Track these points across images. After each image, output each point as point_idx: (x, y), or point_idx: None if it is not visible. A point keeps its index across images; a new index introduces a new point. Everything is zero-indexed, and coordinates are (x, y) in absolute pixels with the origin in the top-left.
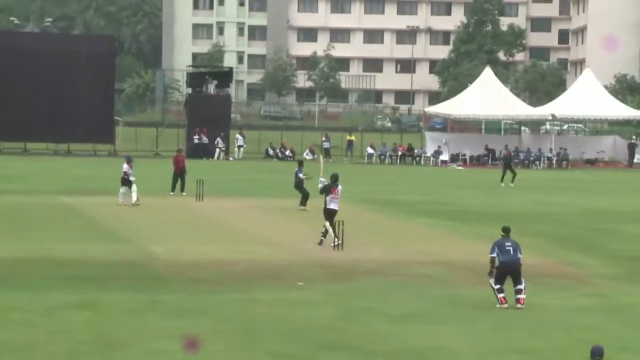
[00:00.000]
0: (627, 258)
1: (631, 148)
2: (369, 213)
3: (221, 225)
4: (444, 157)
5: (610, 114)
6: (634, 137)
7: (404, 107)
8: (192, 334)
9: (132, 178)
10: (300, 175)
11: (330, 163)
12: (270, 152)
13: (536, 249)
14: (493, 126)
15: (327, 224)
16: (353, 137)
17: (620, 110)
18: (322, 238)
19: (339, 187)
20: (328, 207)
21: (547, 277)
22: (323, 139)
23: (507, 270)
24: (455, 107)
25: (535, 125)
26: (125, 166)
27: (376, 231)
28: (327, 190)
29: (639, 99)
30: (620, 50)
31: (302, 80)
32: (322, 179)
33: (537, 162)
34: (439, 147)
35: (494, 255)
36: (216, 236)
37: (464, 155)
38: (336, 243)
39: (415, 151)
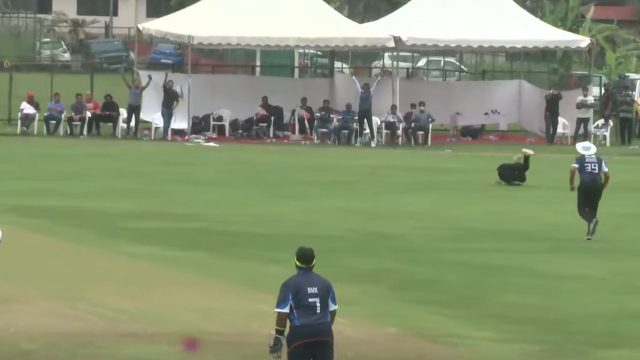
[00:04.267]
0: (541, 322)
1: (552, 105)
2: (27, 235)
3: None
4: (180, 123)
5: (511, 37)
6: (554, 85)
7: (97, 22)
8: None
9: None
10: None
11: None
12: None
13: (366, 307)
14: (278, 60)
15: None
16: None
17: (532, 31)
18: None
19: None
20: None
21: None
22: None
23: (308, 347)
24: (201, 22)
25: (362, 59)
26: None
27: (44, 272)
28: None
29: (566, 9)
30: None
31: None
32: None
33: (366, 134)
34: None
35: (285, 310)
36: None
37: (220, 118)
38: None
39: (122, 111)
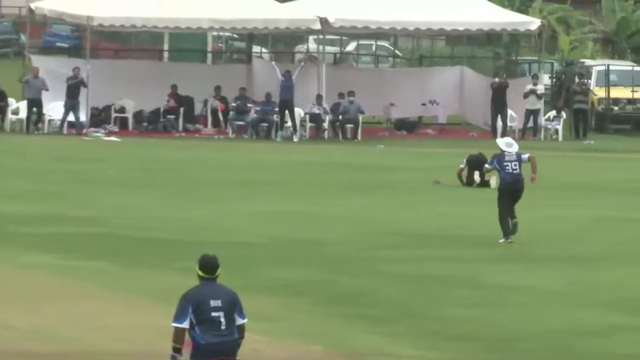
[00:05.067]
0: (485, 340)
1: (499, 94)
2: None
3: None
4: (80, 115)
5: (452, 19)
6: (500, 72)
7: None
8: None
9: None
10: None
11: None
12: None
13: (289, 324)
14: (189, 44)
15: None
16: None
17: (475, 12)
18: None
19: None
20: None
21: None
22: None
23: None
24: (101, 1)
25: (284, 42)
26: None
27: None
28: None
29: None
30: None
31: None
32: None
33: (288, 127)
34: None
35: (184, 325)
36: None
37: (122, 110)
38: None
39: (11, 101)
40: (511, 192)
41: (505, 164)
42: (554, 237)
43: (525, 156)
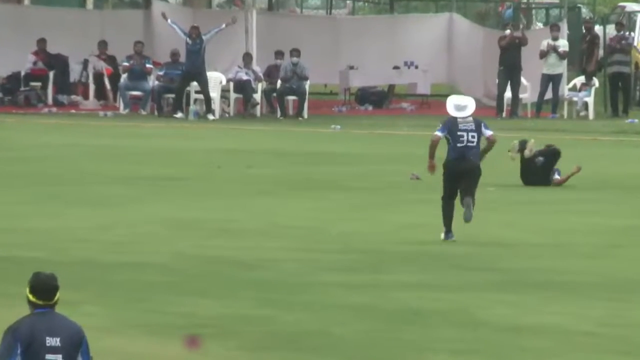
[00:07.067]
0: None
1: (511, 55)
2: None
3: None
4: None
5: None
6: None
7: None
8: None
9: None
10: None
11: None
12: None
13: None
14: None
15: None
16: None
17: None
18: None
19: None
20: None
21: None
22: None
23: None
24: None
25: None
26: None
27: None
28: None
29: None
30: None
31: None
32: None
33: (200, 99)
34: None
35: None
36: None
37: None
38: None
39: None
40: (457, 172)
41: (460, 133)
42: (576, 255)
43: (488, 132)
